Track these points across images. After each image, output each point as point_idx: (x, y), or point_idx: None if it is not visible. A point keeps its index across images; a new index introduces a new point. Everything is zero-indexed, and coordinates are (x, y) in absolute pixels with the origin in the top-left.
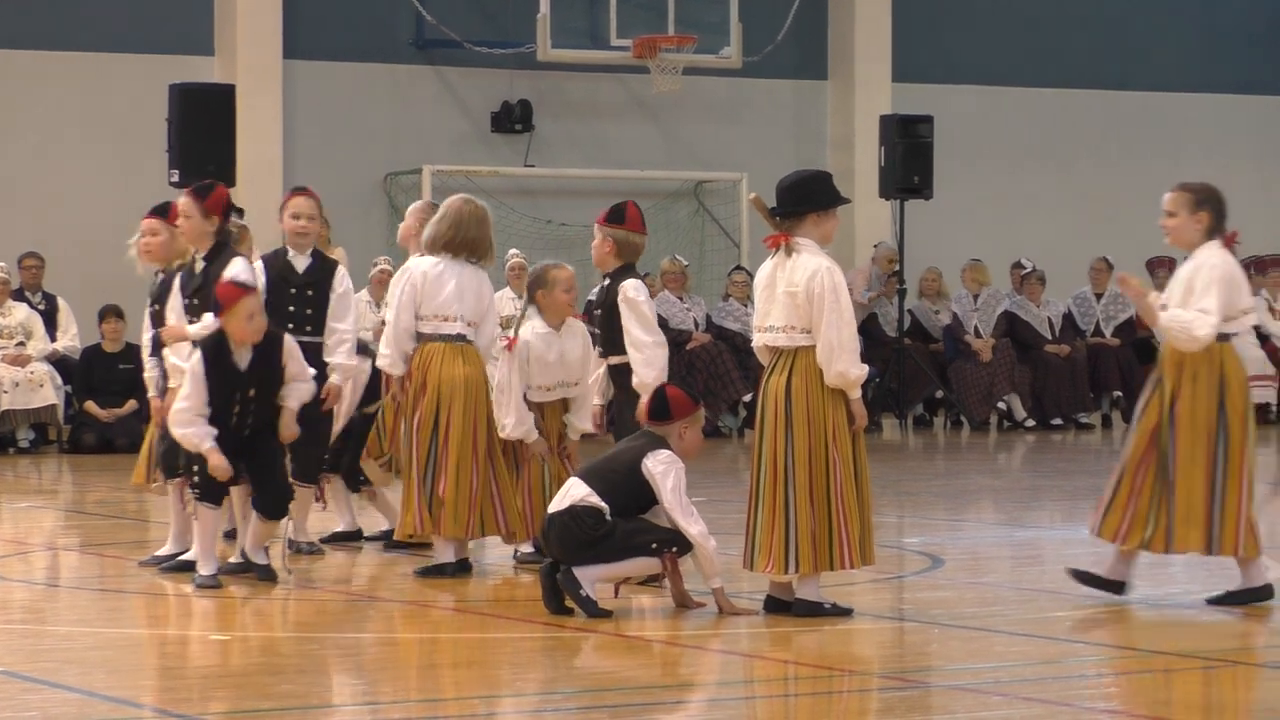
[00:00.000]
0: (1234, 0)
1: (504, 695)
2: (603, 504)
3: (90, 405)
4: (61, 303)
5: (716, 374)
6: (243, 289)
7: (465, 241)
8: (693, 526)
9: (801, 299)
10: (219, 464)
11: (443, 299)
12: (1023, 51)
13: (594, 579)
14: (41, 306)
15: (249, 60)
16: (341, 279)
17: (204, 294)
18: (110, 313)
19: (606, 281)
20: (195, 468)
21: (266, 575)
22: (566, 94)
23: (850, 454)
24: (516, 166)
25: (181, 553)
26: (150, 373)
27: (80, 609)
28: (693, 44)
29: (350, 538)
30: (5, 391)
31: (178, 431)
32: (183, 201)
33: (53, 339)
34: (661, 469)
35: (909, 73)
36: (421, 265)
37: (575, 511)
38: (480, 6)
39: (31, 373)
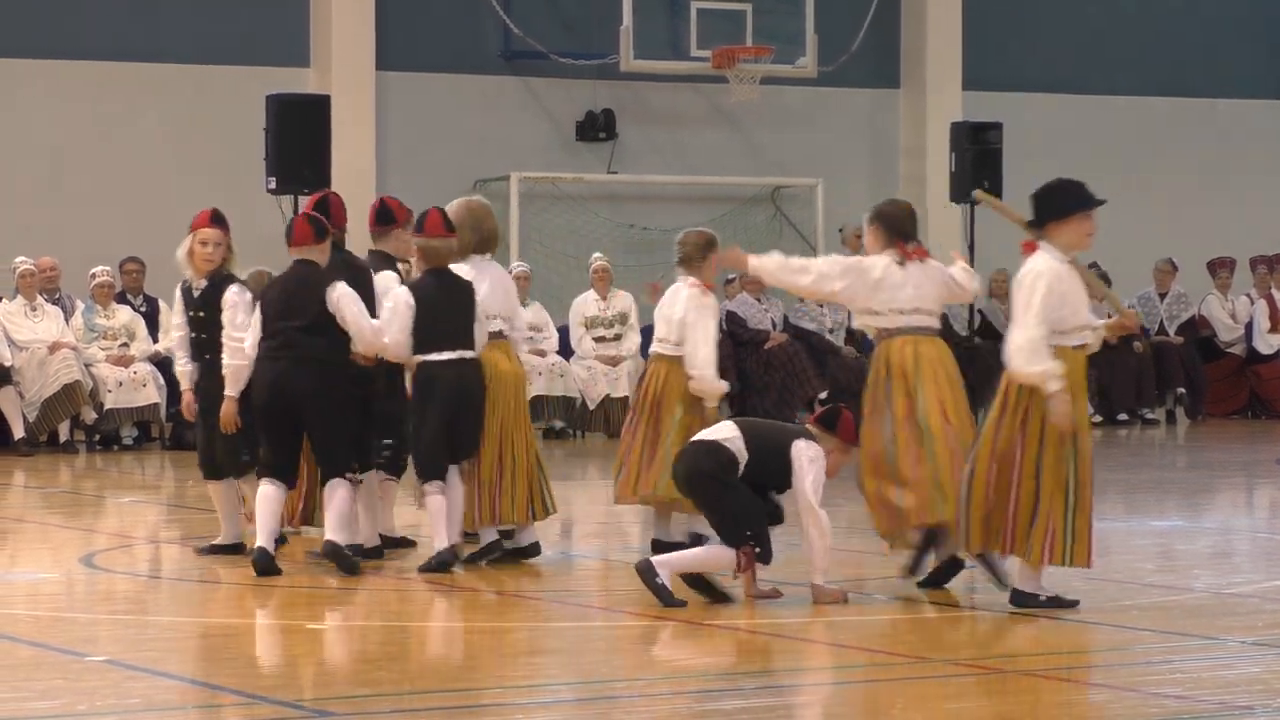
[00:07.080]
0: None
1: (592, 682)
2: (745, 454)
3: None
4: (162, 305)
5: (793, 372)
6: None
7: (484, 238)
8: (814, 526)
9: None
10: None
11: (480, 299)
12: (1088, 60)
13: (670, 567)
14: (143, 309)
15: (343, 72)
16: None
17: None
18: None
19: None
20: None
21: (350, 567)
22: (648, 103)
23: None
24: (600, 173)
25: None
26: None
27: (181, 600)
28: (770, 54)
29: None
30: (110, 391)
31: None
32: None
33: (154, 340)
34: (809, 459)
35: (979, 81)
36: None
37: (716, 445)
38: (565, 19)
39: (134, 373)
